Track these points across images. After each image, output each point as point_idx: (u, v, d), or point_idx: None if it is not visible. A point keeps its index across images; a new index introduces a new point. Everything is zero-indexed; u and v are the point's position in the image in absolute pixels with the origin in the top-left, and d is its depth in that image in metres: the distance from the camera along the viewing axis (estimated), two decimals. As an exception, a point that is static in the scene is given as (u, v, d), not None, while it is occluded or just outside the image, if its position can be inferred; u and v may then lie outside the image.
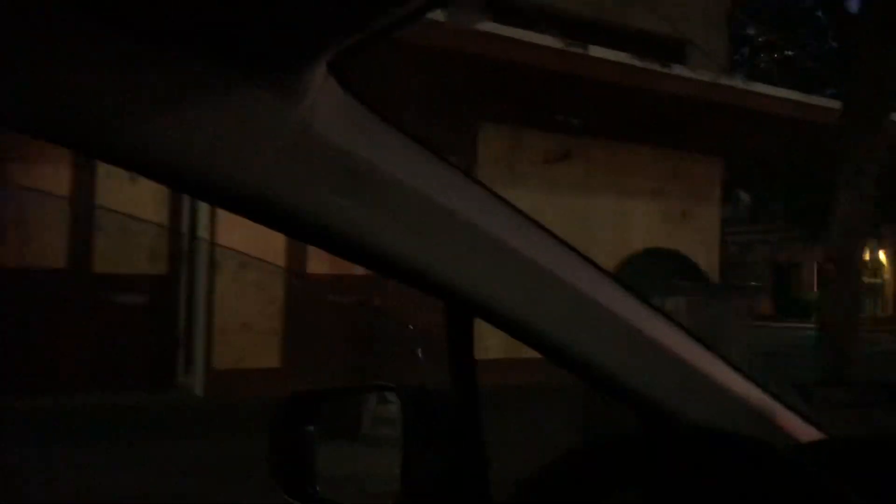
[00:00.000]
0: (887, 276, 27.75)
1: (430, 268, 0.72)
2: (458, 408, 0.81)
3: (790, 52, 20.60)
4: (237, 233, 6.80)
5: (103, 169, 6.44)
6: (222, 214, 6.76)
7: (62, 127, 0.56)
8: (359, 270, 0.84)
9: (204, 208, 7.20)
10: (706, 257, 10.22)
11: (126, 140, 0.57)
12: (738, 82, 9.44)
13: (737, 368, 0.89)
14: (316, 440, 0.88)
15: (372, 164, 0.66)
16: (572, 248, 0.82)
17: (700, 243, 10.22)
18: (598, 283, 0.82)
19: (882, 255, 27.75)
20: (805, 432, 0.93)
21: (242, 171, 0.61)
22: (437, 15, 6.14)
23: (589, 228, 8.83)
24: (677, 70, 8.67)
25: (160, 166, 0.59)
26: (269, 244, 7.01)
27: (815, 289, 29.58)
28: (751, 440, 0.74)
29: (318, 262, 7.46)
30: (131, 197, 6.35)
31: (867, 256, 27.36)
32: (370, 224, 0.67)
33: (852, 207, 6.94)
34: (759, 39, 20.44)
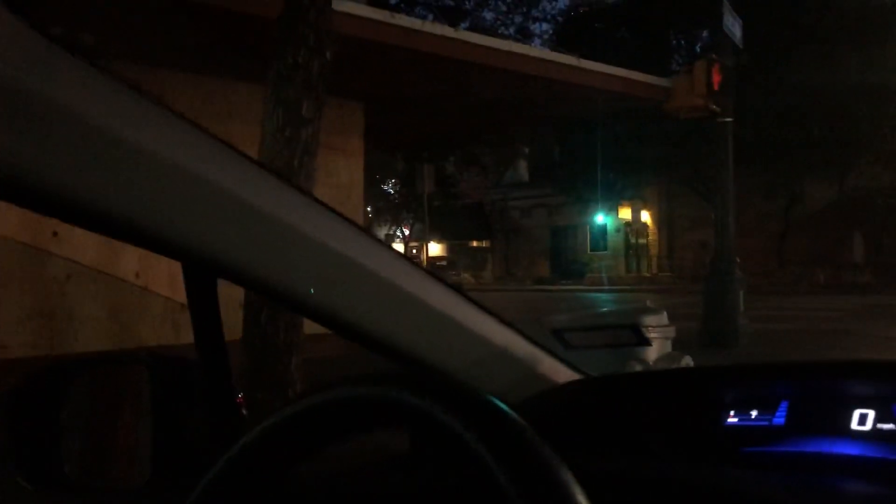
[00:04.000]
0: (652, 237, 29.60)
1: (155, 225, 0.64)
2: (207, 372, 0.80)
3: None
4: None
5: None
6: None
7: None
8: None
9: None
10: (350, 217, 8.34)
11: None
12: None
13: (496, 317, 0.96)
14: (68, 417, 0.82)
15: (57, 100, 0.58)
16: (323, 204, 0.80)
17: (340, 203, 8.23)
18: (349, 236, 0.81)
19: (648, 217, 29.55)
20: (564, 375, 1.07)
21: None
22: None
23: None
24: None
25: None
26: None
27: (588, 251, 31.11)
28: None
29: None
30: None
31: (635, 217, 29.05)
32: (75, 175, 0.59)
33: (277, 126, 4.27)
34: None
